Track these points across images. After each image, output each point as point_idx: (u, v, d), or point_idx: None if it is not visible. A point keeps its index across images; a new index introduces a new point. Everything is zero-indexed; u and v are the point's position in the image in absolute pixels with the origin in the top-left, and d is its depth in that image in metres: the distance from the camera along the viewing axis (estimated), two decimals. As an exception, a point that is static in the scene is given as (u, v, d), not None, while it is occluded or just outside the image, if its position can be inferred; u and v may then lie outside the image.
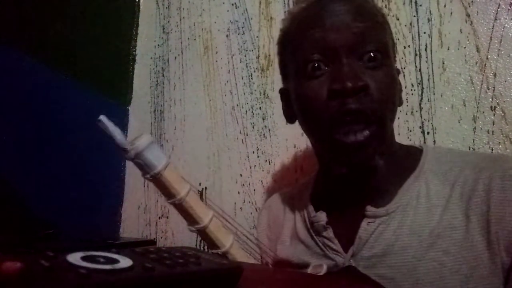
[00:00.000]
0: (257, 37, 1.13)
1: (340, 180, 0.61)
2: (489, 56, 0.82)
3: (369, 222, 0.55)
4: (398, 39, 0.91)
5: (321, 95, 0.52)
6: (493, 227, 0.49)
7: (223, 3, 1.21)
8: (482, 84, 0.82)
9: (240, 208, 1.08)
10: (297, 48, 0.57)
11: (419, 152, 0.60)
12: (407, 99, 0.88)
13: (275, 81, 1.09)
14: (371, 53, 0.52)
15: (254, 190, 1.07)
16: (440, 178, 0.55)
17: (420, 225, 0.53)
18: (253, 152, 1.09)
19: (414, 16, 0.91)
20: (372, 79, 0.52)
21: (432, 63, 0.88)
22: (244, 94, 1.13)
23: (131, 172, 1.34)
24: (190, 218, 0.43)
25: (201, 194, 1.18)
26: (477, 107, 0.82)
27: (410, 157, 0.59)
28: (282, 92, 0.65)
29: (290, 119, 0.64)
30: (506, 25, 0.81)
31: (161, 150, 0.49)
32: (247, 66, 1.14)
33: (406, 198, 0.55)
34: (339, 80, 0.51)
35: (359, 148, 0.51)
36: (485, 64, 0.82)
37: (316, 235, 0.61)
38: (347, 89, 0.50)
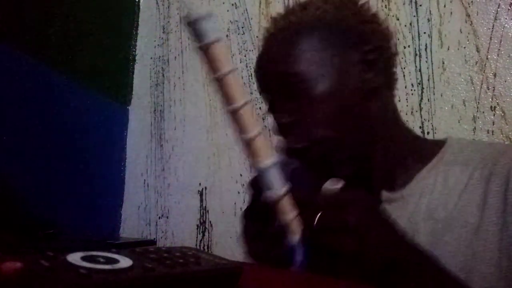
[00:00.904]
0: (257, 37, 1.13)
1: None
2: (489, 56, 0.82)
3: (385, 207, 0.55)
4: (398, 39, 0.91)
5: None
6: (510, 207, 0.49)
7: (223, 3, 1.21)
8: (482, 84, 0.82)
9: (240, 208, 1.08)
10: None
11: (441, 143, 0.60)
12: (407, 99, 0.88)
13: (275, 81, 1.09)
14: (292, 86, 0.54)
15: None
16: (460, 166, 0.55)
17: (436, 209, 0.53)
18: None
19: (414, 16, 0.91)
20: (306, 108, 0.54)
21: (432, 63, 0.88)
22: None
23: (131, 172, 1.34)
24: (226, 97, 0.44)
25: (201, 194, 1.18)
26: (477, 107, 0.82)
27: (431, 147, 0.60)
28: None
29: None
30: (506, 25, 0.81)
31: (217, 26, 0.52)
32: (247, 66, 1.14)
33: (423, 182, 0.56)
34: (275, 118, 0.56)
35: (305, 151, 0.53)
36: (485, 64, 0.82)
37: None
38: (279, 133, 0.55)
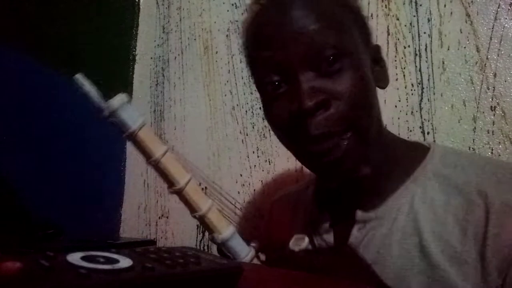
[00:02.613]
0: (257, 37, 1.13)
1: (332, 190, 0.59)
2: (489, 56, 0.82)
3: (359, 228, 0.53)
4: (398, 39, 0.91)
5: (283, 117, 0.49)
6: (489, 244, 0.45)
7: (223, 3, 1.21)
8: (482, 84, 0.82)
9: (240, 208, 1.09)
10: (253, 67, 0.54)
11: (425, 151, 0.55)
12: (407, 99, 0.88)
13: (275, 81, 1.09)
14: (330, 58, 0.47)
15: (254, 190, 1.07)
16: (441, 181, 0.51)
17: (410, 233, 0.49)
18: (253, 152, 1.09)
19: (414, 16, 0.91)
20: (336, 86, 0.47)
21: (432, 63, 0.88)
22: (244, 94, 1.13)
23: (131, 172, 1.34)
24: (166, 179, 0.42)
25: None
26: (477, 107, 0.82)
27: (412, 157, 0.55)
28: None
29: None
30: (506, 25, 0.81)
31: (137, 110, 0.49)
32: (247, 66, 1.14)
33: (400, 201, 0.52)
34: (296, 101, 0.47)
35: (337, 161, 0.48)
36: (485, 64, 0.82)
37: (316, 235, 0.58)
38: (304, 111, 0.46)
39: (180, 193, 0.43)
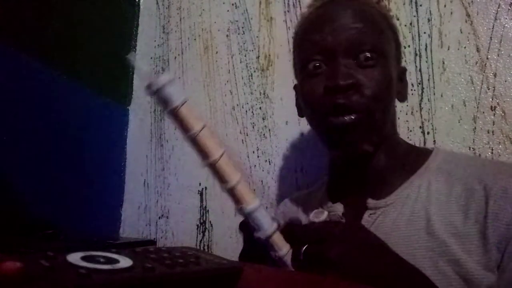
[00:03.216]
0: (257, 37, 1.13)
1: (342, 170, 0.66)
2: (489, 56, 0.82)
3: (370, 214, 0.59)
4: (398, 39, 0.91)
5: (318, 91, 0.58)
6: (489, 223, 0.51)
7: (223, 3, 1.21)
8: (482, 84, 0.82)
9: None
10: (301, 49, 0.64)
11: (429, 153, 0.63)
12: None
13: (275, 81, 1.09)
14: (367, 53, 0.57)
15: (254, 190, 1.07)
16: (444, 175, 0.58)
17: (418, 216, 0.56)
18: (253, 152, 1.09)
19: (414, 16, 0.91)
20: (366, 77, 0.57)
21: (432, 63, 0.88)
22: (244, 94, 1.13)
23: (131, 172, 1.34)
24: (202, 152, 0.46)
25: (201, 194, 1.18)
26: (477, 107, 0.82)
27: (419, 157, 0.63)
28: (295, 87, 0.72)
29: (300, 112, 0.70)
30: (506, 25, 0.81)
31: (180, 88, 0.53)
32: (247, 66, 1.14)
33: (407, 191, 0.59)
34: (332, 78, 0.57)
35: (346, 128, 0.56)
36: (485, 64, 0.82)
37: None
38: (338, 86, 0.55)
39: (213, 166, 0.47)
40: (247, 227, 0.49)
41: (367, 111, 0.56)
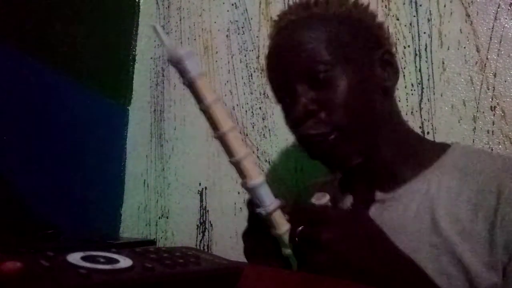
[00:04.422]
0: (257, 37, 1.13)
1: (354, 176, 0.65)
2: (489, 56, 0.82)
3: (377, 207, 0.59)
4: (398, 39, 0.91)
5: (292, 122, 0.60)
6: (498, 224, 0.50)
7: (223, 3, 1.21)
8: (482, 84, 0.82)
9: (240, 208, 1.08)
10: (267, 80, 0.65)
11: (446, 148, 0.61)
12: (407, 99, 0.88)
13: (275, 81, 1.09)
14: (322, 73, 0.56)
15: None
16: (458, 172, 0.56)
17: (425, 211, 0.55)
18: (253, 152, 1.09)
19: (414, 16, 0.91)
20: (329, 94, 0.56)
21: (432, 63, 0.88)
22: (244, 94, 1.13)
23: (131, 172, 1.34)
24: (213, 124, 0.48)
25: (201, 194, 1.18)
26: (477, 107, 0.82)
27: (434, 151, 0.61)
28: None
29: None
30: (506, 25, 0.81)
31: (199, 61, 0.61)
32: (247, 66, 1.14)
33: (417, 185, 0.58)
34: (292, 112, 0.58)
35: (330, 149, 0.57)
36: (485, 64, 0.82)
37: None
38: (300, 120, 0.56)
39: (222, 138, 0.48)
40: (253, 205, 0.50)
41: (343, 126, 0.56)
